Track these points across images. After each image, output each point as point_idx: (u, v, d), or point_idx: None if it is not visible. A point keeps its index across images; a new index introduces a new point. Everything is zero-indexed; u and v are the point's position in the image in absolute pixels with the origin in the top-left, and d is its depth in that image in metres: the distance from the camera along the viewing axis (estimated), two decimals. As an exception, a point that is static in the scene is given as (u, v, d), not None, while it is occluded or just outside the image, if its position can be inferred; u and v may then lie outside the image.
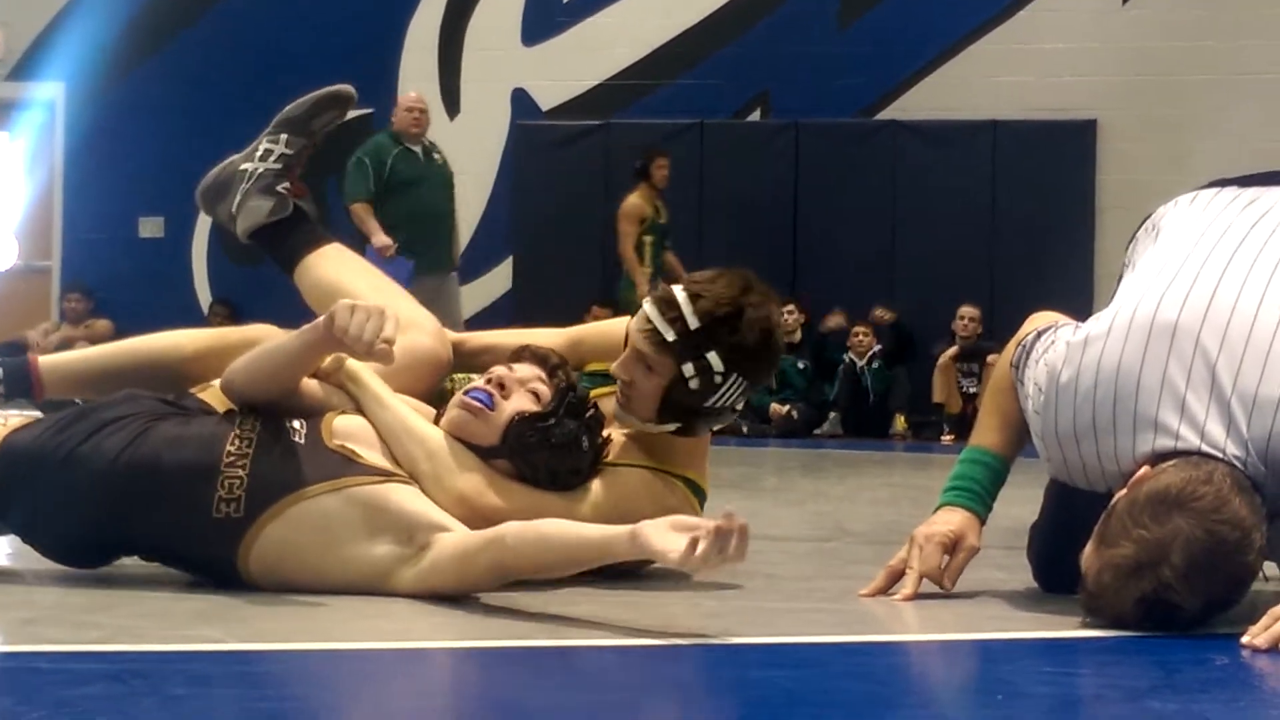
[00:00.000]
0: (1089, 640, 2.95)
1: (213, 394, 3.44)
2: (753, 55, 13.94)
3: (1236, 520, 2.90)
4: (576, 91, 14.16)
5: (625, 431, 3.61)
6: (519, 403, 3.44)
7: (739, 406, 3.56)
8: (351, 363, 3.43)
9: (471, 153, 12.21)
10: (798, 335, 13.48)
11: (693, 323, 3.42)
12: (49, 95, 14.55)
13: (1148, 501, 2.93)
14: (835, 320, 13.46)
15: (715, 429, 3.63)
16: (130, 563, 3.65)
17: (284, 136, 3.89)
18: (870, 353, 13.26)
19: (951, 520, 3.32)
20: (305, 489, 3.19)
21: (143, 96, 14.28)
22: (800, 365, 13.43)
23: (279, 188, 3.83)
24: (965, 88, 13.64)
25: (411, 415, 3.42)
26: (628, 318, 3.70)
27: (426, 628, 2.92)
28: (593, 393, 3.70)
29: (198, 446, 3.25)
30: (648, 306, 3.48)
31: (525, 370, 3.49)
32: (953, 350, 12.95)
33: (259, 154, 3.88)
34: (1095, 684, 2.66)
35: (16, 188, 14.68)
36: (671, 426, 3.53)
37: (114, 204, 14.27)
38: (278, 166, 3.85)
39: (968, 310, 12.89)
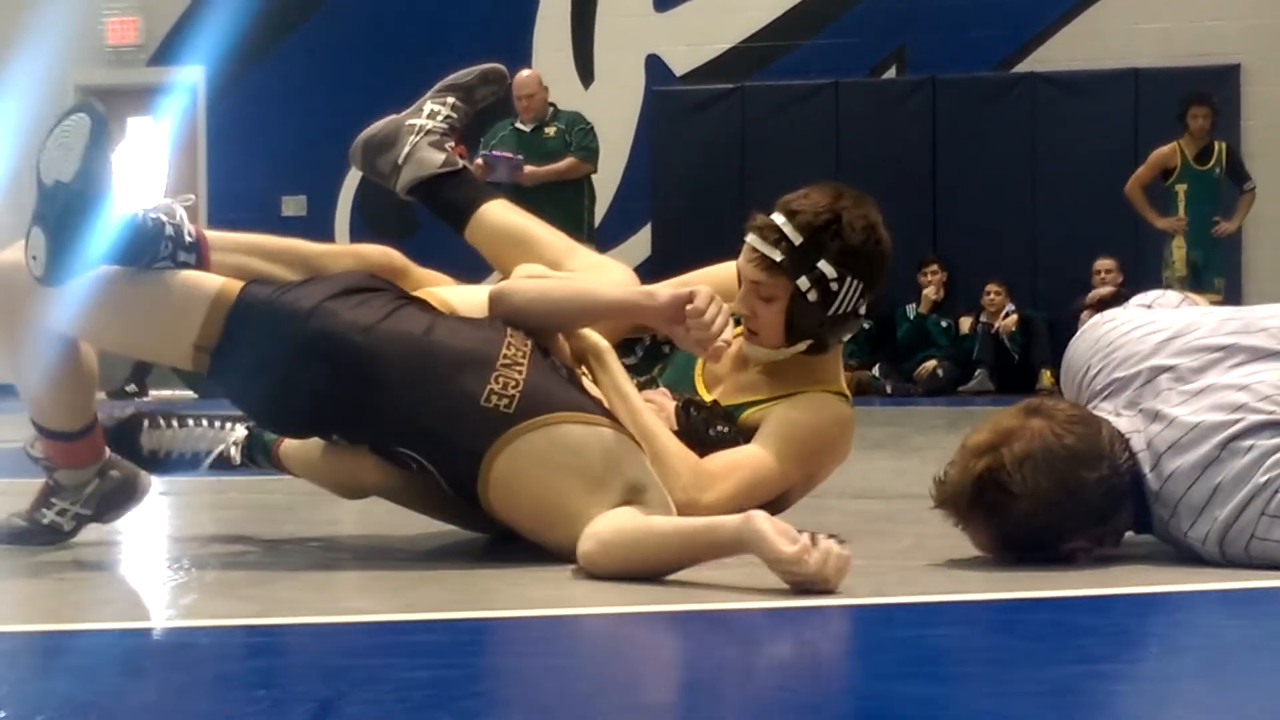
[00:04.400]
0: (1244, 592, 2.92)
1: (428, 295, 3.44)
2: (887, 11, 13.83)
3: (1088, 436, 3.16)
4: (710, 55, 14.13)
5: (758, 370, 3.67)
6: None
7: (861, 310, 3.60)
8: (600, 342, 3.47)
9: (607, 120, 12.22)
10: (940, 293, 13.39)
11: (796, 239, 3.50)
12: (190, 79, 14.76)
13: (1019, 406, 3.24)
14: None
15: (845, 338, 3.69)
16: (288, 537, 3.71)
17: (450, 100, 3.93)
18: (1004, 312, 13.13)
19: None
20: (580, 412, 3.21)
21: (281, 76, 14.44)
22: (944, 324, 13.34)
23: (446, 145, 3.86)
24: (1104, 36, 13.45)
25: (645, 412, 3.43)
26: (728, 263, 3.77)
27: (579, 594, 2.94)
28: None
29: (472, 338, 3.26)
30: (750, 238, 3.56)
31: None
32: (1099, 293, 12.71)
33: (426, 112, 3.91)
34: (1251, 635, 2.63)
35: (162, 171, 14.92)
36: (803, 345, 3.60)
37: (257, 184, 14.46)
38: (444, 125, 3.89)
39: (1104, 263, 12.73)
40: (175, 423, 3.90)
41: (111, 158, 3.19)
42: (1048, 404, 3.24)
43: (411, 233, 13.02)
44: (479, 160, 10.49)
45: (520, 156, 10.48)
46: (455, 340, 3.24)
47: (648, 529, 3.05)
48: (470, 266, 3.96)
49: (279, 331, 3.21)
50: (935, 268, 13.28)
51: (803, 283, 3.50)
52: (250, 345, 3.23)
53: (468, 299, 3.46)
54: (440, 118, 3.90)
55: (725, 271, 3.81)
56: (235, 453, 3.88)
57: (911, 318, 13.42)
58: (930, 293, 13.32)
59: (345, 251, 3.54)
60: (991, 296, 13.16)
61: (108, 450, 3.63)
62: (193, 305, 3.24)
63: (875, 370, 13.36)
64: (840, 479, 3.94)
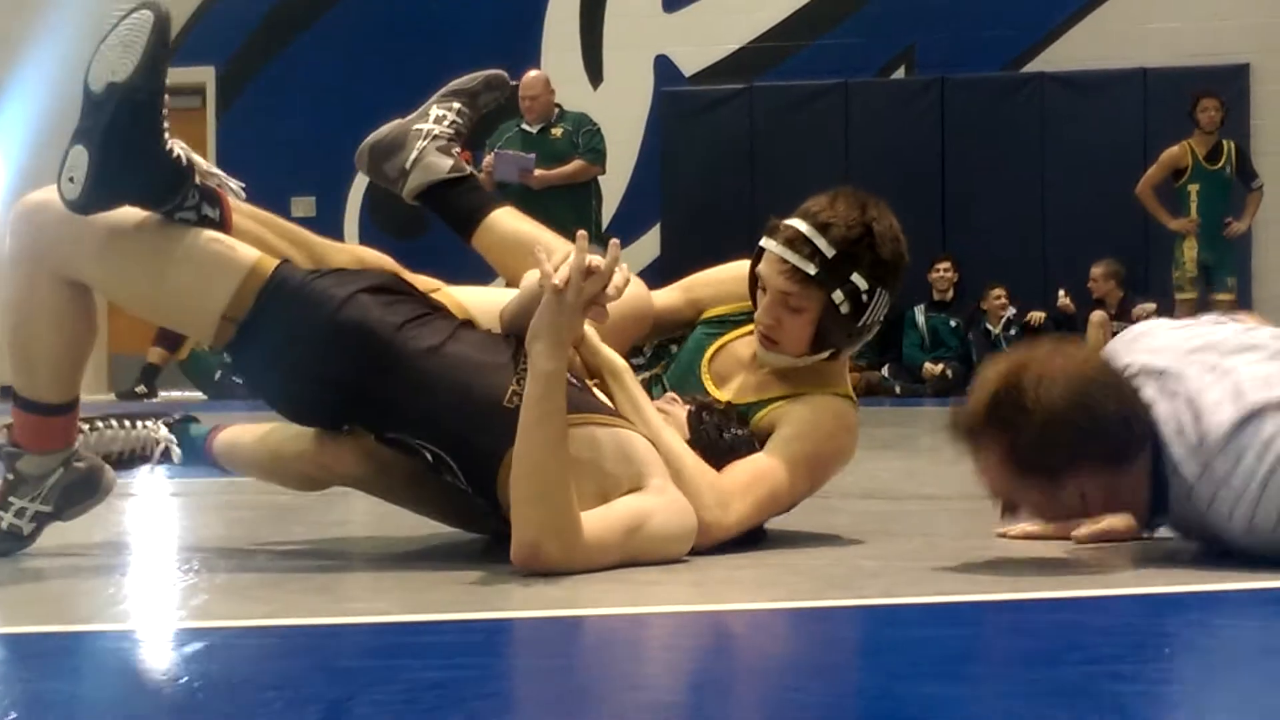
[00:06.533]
0: (1261, 593, 2.91)
1: (444, 296, 3.43)
2: (895, 11, 13.83)
3: (1110, 372, 3.17)
4: (719, 56, 14.14)
5: (767, 371, 3.66)
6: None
7: (882, 318, 3.61)
8: (617, 360, 3.46)
9: (616, 121, 12.22)
10: (950, 294, 13.39)
11: (830, 252, 3.50)
12: (200, 79, 14.77)
13: (1042, 342, 3.25)
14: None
15: (870, 337, 3.70)
16: (298, 539, 3.71)
17: (456, 105, 3.92)
18: (1005, 318, 13.14)
19: None
20: (592, 415, 3.22)
21: (291, 77, 14.47)
22: (953, 324, 13.34)
23: (453, 150, 3.86)
24: (1113, 36, 13.45)
25: (664, 431, 3.40)
26: (737, 263, 3.78)
27: (591, 594, 2.94)
28: (721, 340, 3.74)
29: (493, 345, 3.27)
30: (778, 249, 3.54)
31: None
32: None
33: (433, 117, 3.89)
34: (1267, 637, 2.62)
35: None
36: (825, 354, 3.61)
37: (266, 184, 14.28)
38: (451, 131, 3.87)
39: (1097, 270, 12.78)
40: (101, 424, 3.78)
41: (166, 69, 3.12)
42: (1068, 342, 3.25)
43: (419, 234, 13.04)
44: (489, 156, 10.51)
45: (532, 156, 10.49)
46: (477, 348, 3.25)
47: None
48: (477, 270, 3.95)
49: (311, 315, 3.18)
50: (948, 265, 13.28)
51: (837, 296, 3.50)
52: (280, 325, 3.18)
53: (481, 301, 3.45)
54: (446, 123, 3.88)
55: (733, 272, 3.81)
56: (174, 449, 3.79)
57: (921, 318, 13.42)
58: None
59: (345, 249, 3.51)
60: (998, 301, 13.17)
61: (77, 439, 3.49)
62: (227, 273, 3.17)
63: (884, 371, 13.36)
64: (849, 480, 3.94)
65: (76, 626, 2.72)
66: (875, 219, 3.53)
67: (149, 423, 3.83)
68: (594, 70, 14.25)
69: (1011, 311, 13.18)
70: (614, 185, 12.54)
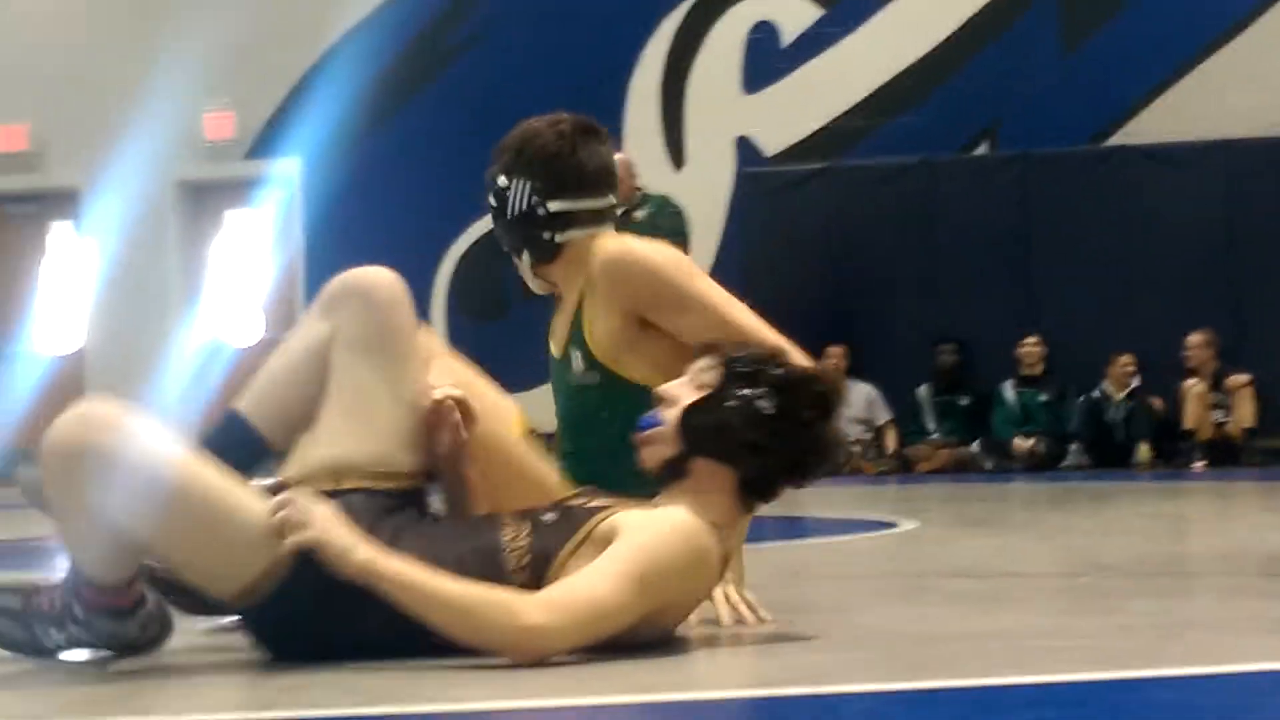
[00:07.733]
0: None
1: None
2: (977, 87, 13.83)
3: None
4: (800, 135, 14.17)
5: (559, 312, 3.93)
6: (686, 399, 3.30)
7: (551, 208, 3.78)
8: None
9: (698, 202, 12.24)
10: (1040, 368, 13.30)
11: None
12: (287, 171, 14.95)
13: None
14: None
15: (560, 237, 3.84)
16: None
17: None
18: (1130, 388, 13.00)
19: None
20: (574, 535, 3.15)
21: (376, 164, 14.59)
22: (1043, 399, 13.25)
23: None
24: (1195, 109, 13.39)
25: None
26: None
27: (677, 678, 2.92)
28: None
29: (467, 525, 3.28)
30: None
31: (690, 372, 3.35)
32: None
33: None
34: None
35: (262, 263, 15.10)
36: (526, 256, 3.81)
37: (353, 272, 14.56)
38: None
39: (1194, 339, 12.68)
40: None
41: None
42: None
43: (503, 313, 13.11)
44: None
45: None
46: (464, 537, 3.21)
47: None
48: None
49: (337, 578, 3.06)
50: (1036, 340, 13.21)
51: (491, 200, 3.73)
52: (313, 590, 3.09)
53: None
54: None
55: None
56: None
57: (1011, 394, 13.33)
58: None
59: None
60: (1126, 368, 13.00)
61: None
62: (267, 539, 3.07)
63: (975, 447, 13.28)
64: (940, 558, 3.90)
65: (171, 718, 2.72)
66: (532, 124, 3.77)
67: None
68: (676, 152, 14.30)
69: (1136, 383, 12.99)
70: (698, 265, 12.55)
